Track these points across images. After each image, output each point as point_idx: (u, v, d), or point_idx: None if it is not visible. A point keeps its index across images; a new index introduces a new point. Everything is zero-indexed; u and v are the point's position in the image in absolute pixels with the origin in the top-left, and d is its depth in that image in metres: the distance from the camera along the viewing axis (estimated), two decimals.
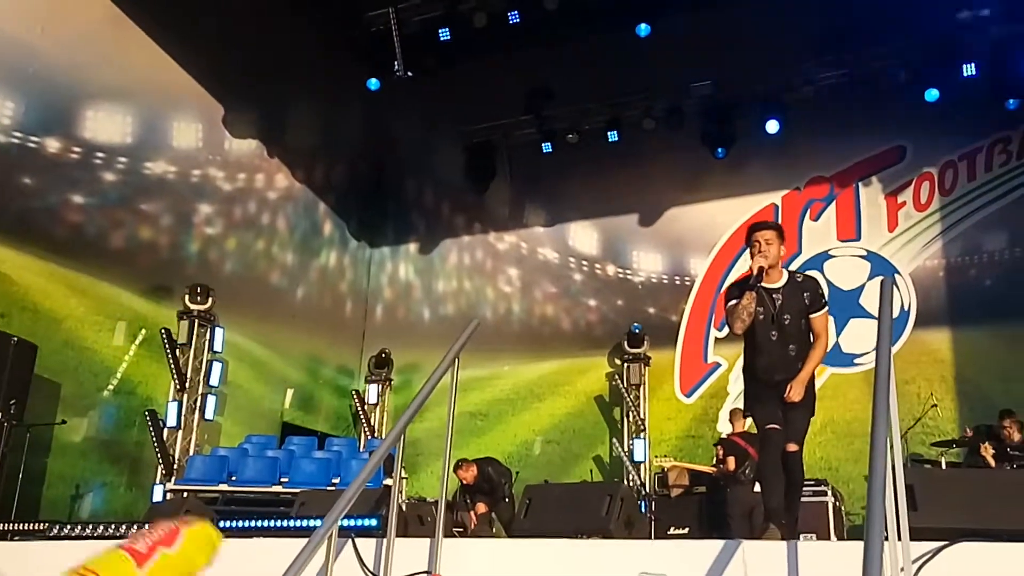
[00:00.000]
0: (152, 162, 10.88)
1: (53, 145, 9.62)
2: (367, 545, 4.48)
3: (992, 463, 8.31)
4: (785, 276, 4.97)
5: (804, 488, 8.74)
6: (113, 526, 5.88)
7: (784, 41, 11.77)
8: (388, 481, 8.69)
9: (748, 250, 4.93)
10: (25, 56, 9.28)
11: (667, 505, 9.65)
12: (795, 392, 4.75)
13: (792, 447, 4.75)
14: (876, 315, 3.74)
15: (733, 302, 4.87)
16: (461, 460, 9.13)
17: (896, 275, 11.66)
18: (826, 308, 4.91)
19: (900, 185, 12.08)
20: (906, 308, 11.59)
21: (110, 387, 10.07)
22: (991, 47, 11.00)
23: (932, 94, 11.33)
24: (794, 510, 4.95)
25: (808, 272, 5.17)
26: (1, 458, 7.87)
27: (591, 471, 12.73)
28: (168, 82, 11.04)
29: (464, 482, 9.11)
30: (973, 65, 11.06)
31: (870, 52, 11.46)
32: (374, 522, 5.08)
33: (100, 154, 10.15)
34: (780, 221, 12.60)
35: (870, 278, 11.80)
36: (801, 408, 4.82)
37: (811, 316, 4.88)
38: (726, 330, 5.17)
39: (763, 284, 4.81)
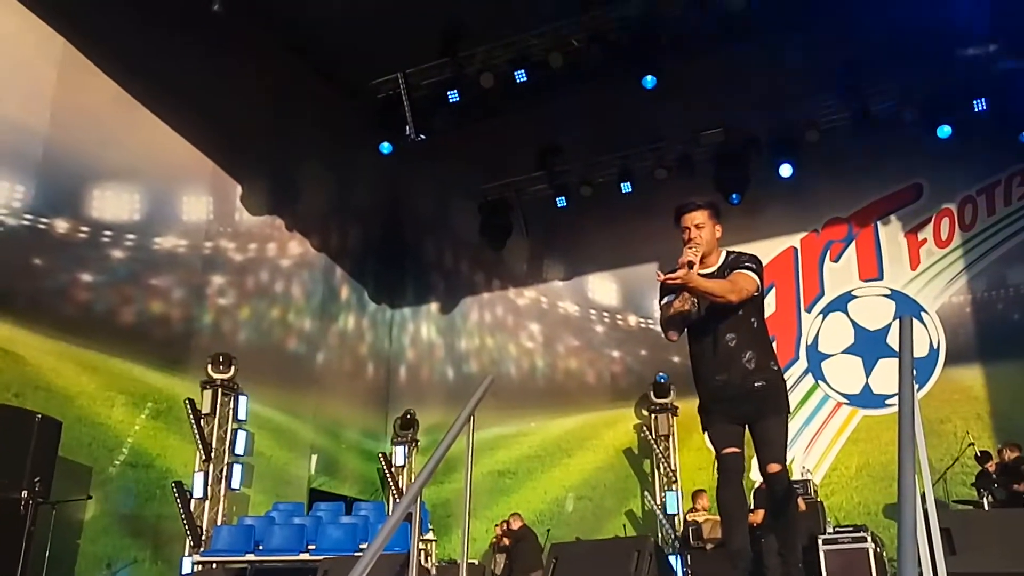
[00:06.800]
0: (161, 237, 10.99)
1: (62, 226, 9.74)
2: None
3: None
4: (722, 257, 4.27)
5: (842, 534, 8.65)
6: None
7: (790, 85, 11.84)
8: (421, 544, 8.57)
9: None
10: (33, 140, 9.47)
11: (703, 559, 9.42)
12: (685, 273, 3.94)
13: (774, 467, 3.98)
14: None
15: (667, 300, 4.24)
16: None
17: (922, 313, 11.50)
18: (749, 269, 4.11)
19: (920, 222, 11.99)
20: (935, 346, 11.39)
21: (119, 460, 9.98)
22: (999, 82, 11.00)
23: (944, 131, 11.30)
24: (795, 548, 4.13)
25: (747, 250, 4.32)
26: (28, 536, 7.80)
27: (624, 526, 12.47)
28: (175, 158, 11.18)
29: None
30: (983, 100, 11.06)
31: (877, 91, 11.47)
32: None
33: (108, 232, 10.27)
34: (800, 264, 12.54)
35: (895, 317, 11.63)
36: (770, 418, 4.02)
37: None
38: None
39: (698, 271, 4.07)
